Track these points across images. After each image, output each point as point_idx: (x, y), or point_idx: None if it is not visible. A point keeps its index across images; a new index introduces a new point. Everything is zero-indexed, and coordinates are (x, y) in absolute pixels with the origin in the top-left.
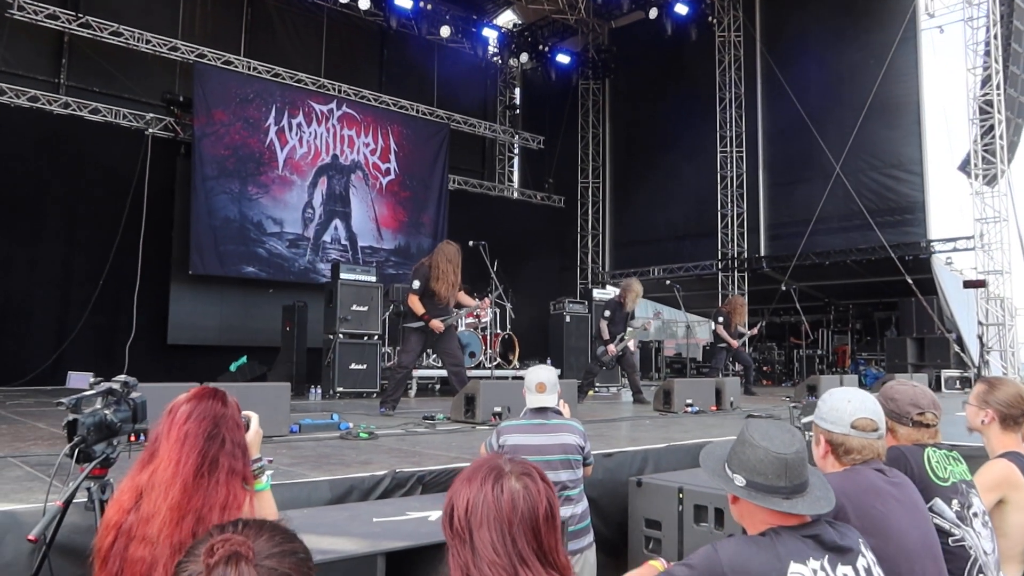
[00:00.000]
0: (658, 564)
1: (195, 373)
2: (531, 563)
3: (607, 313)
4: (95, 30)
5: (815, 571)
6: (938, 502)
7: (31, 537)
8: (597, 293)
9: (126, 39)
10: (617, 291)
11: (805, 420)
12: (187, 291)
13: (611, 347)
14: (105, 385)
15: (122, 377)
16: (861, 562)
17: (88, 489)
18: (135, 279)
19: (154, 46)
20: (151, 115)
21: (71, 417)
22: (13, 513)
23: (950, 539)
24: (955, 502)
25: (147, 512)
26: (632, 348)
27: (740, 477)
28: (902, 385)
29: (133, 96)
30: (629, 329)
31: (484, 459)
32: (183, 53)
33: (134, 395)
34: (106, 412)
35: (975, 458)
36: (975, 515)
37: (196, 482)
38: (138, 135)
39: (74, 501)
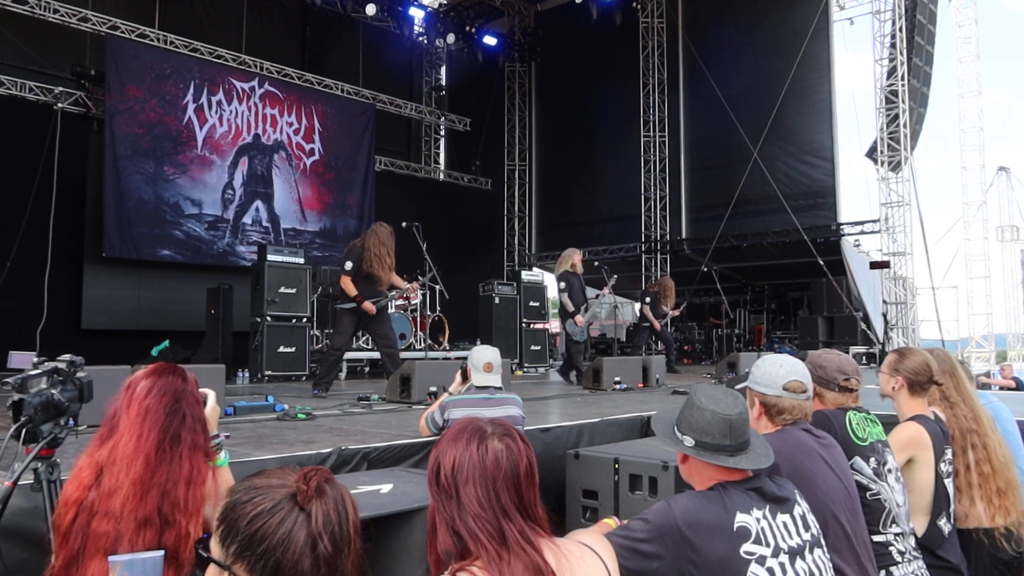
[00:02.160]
0: (611, 522)
1: (113, 358)
2: (513, 516)
3: (562, 285)
4: None
5: (758, 519)
6: (858, 460)
7: None
8: (525, 275)
9: (31, 7)
10: (552, 270)
11: (739, 387)
12: (102, 274)
13: (579, 318)
14: (51, 364)
15: (68, 356)
16: (797, 510)
17: (35, 470)
18: (45, 262)
19: (62, 16)
20: (60, 89)
21: (16, 397)
22: None
23: (868, 493)
24: (872, 460)
25: (108, 487)
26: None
27: (689, 438)
28: (829, 353)
29: (40, 69)
30: (592, 298)
31: (466, 421)
32: (94, 24)
33: (80, 374)
34: (53, 392)
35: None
36: (889, 471)
37: (159, 456)
38: (46, 110)
39: (19, 483)
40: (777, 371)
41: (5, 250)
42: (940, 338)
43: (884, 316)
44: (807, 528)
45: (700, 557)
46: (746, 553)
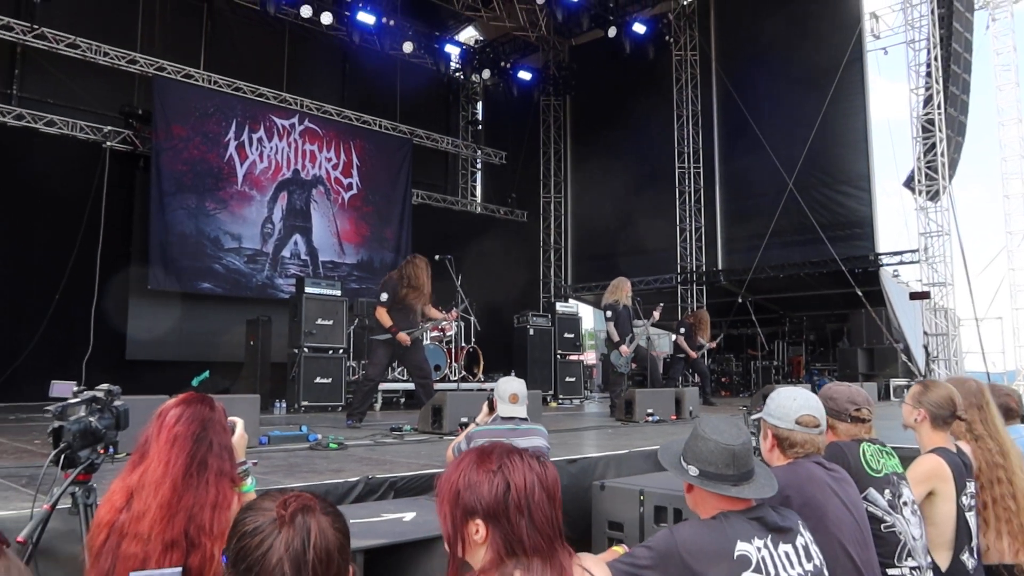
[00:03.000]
0: (620, 549)
1: (155, 388)
2: (561, 535)
3: (609, 315)
4: (51, 42)
5: (759, 548)
6: (872, 492)
7: (20, 539)
8: (560, 307)
9: (83, 51)
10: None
11: (754, 417)
12: (146, 306)
13: (624, 347)
14: (89, 393)
15: (105, 385)
16: (799, 540)
17: (73, 494)
18: (92, 294)
19: (112, 59)
20: (109, 128)
21: (56, 424)
22: None
23: (882, 525)
24: (887, 492)
25: (138, 511)
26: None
27: (694, 468)
28: (839, 385)
29: (90, 108)
30: (637, 328)
31: (492, 445)
32: (142, 66)
33: (117, 403)
34: (91, 419)
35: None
36: (905, 504)
37: (185, 482)
38: (95, 148)
39: (57, 507)
40: (790, 404)
41: (55, 283)
42: (985, 370)
43: (925, 348)
44: (809, 559)
45: None
46: None
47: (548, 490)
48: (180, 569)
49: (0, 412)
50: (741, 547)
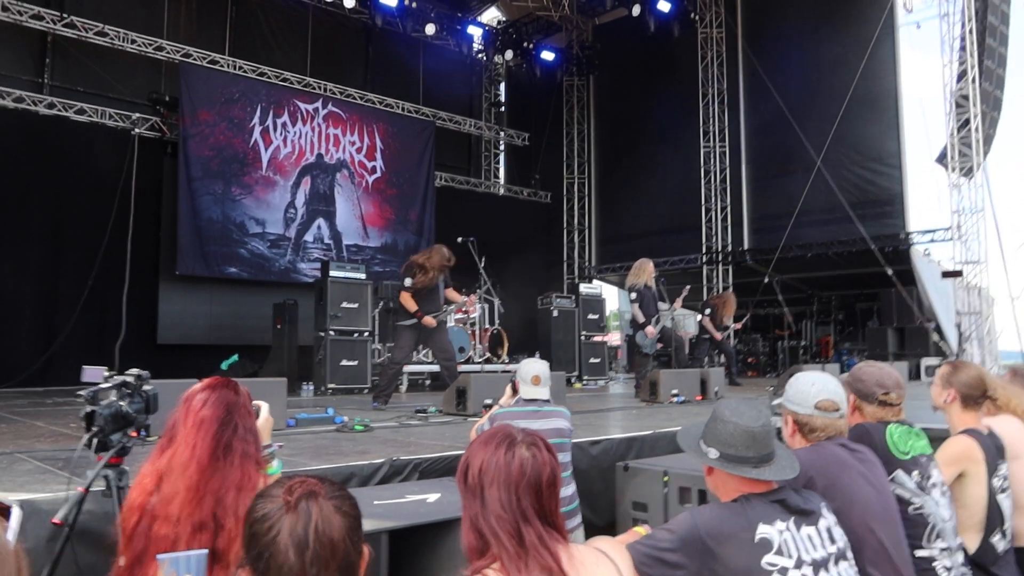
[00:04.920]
0: (641, 529)
1: (186, 372)
2: (532, 520)
3: (633, 296)
4: (80, 30)
5: (781, 531)
6: (900, 474)
7: (56, 520)
8: (584, 288)
9: (111, 39)
10: (612, 283)
11: (775, 403)
12: (176, 291)
13: (649, 328)
14: (120, 378)
15: (135, 371)
16: (823, 523)
17: (106, 477)
18: (124, 279)
19: (139, 46)
20: (137, 115)
21: (89, 408)
22: (32, 502)
23: (910, 507)
24: (915, 473)
25: (167, 493)
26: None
27: (714, 450)
28: (870, 367)
29: (119, 96)
30: (663, 310)
31: (498, 428)
32: (168, 53)
33: (146, 387)
34: (121, 403)
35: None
36: (934, 485)
37: (212, 464)
38: (124, 135)
39: (91, 489)
40: (809, 389)
41: (87, 268)
42: (1020, 349)
43: (958, 327)
44: (833, 541)
45: (722, 567)
46: (768, 564)
47: (514, 475)
48: (206, 551)
49: (37, 396)
50: (763, 530)
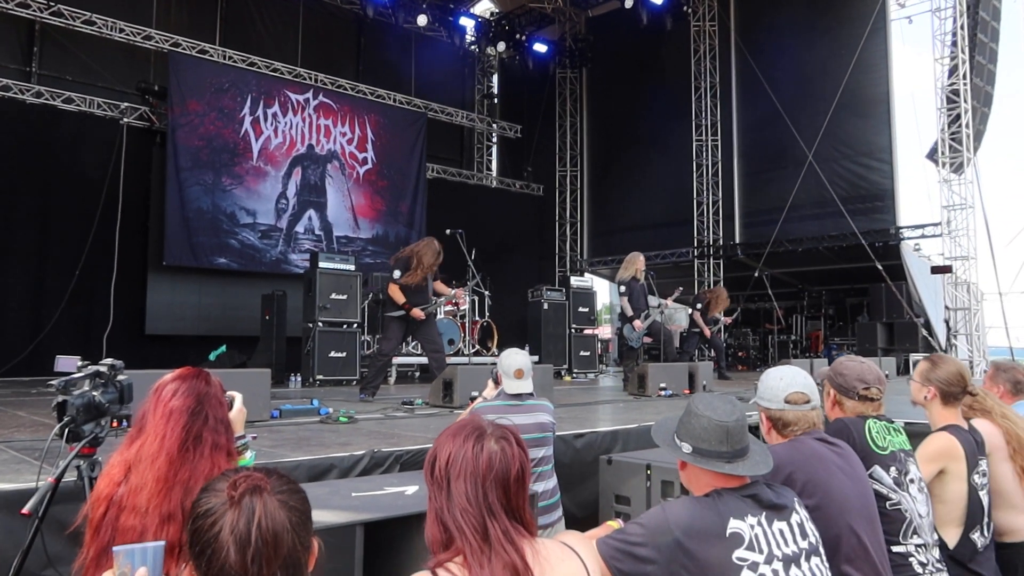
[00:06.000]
0: (615, 523)
1: (173, 362)
2: (498, 515)
3: (622, 289)
4: (67, 19)
5: (752, 526)
6: (877, 469)
7: (24, 511)
8: (575, 280)
9: (99, 28)
10: (604, 276)
11: (752, 401)
12: (164, 281)
13: (637, 322)
14: (93, 368)
15: (109, 360)
16: (795, 518)
17: (78, 467)
18: (112, 269)
19: (128, 35)
20: (126, 104)
21: (61, 398)
22: (4, 493)
23: (887, 503)
24: (893, 469)
25: (135, 484)
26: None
27: (687, 444)
28: (851, 361)
29: (107, 85)
30: (652, 305)
31: (469, 419)
32: (157, 42)
33: (120, 377)
34: (94, 393)
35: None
36: (911, 481)
37: (181, 455)
38: (113, 124)
39: (63, 479)
40: (777, 384)
41: (74, 259)
42: (1009, 345)
43: (947, 322)
44: (804, 536)
45: (693, 562)
46: (738, 559)
47: (482, 469)
48: (163, 543)
49: (23, 386)
50: (734, 524)
